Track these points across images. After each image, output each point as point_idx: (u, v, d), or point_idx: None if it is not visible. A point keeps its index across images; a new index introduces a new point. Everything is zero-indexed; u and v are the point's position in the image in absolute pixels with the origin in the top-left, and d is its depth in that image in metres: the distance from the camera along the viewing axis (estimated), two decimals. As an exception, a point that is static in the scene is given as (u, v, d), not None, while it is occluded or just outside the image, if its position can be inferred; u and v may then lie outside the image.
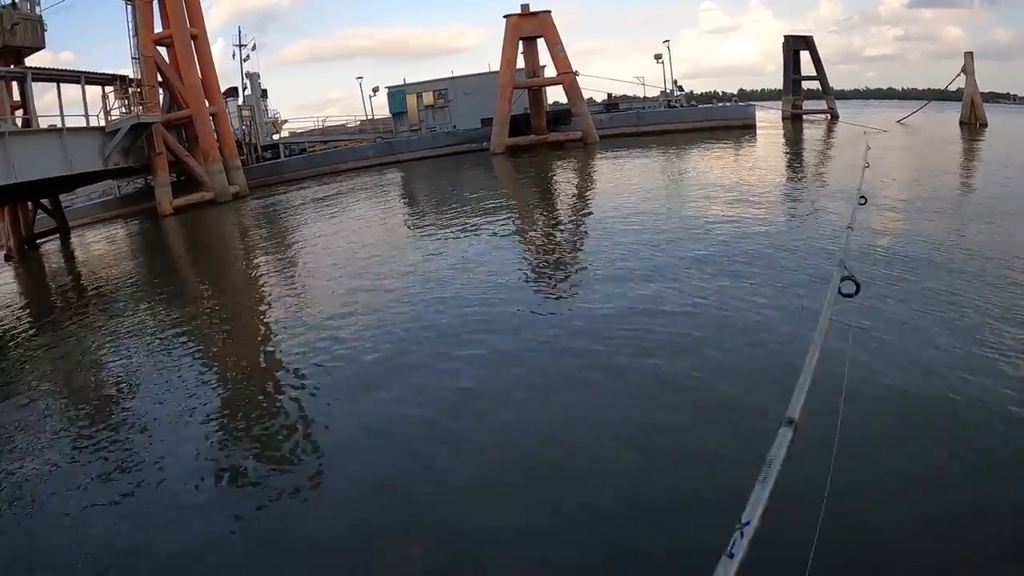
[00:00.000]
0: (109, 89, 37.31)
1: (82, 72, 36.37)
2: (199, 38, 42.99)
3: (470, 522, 6.88)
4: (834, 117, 60.96)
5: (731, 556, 2.20)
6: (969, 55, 52.14)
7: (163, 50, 42.25)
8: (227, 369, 12.62)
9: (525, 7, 50.97)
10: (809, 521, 3.60)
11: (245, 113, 53.45)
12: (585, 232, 20.74)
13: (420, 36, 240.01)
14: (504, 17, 51.38)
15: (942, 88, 58.87)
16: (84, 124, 35.28)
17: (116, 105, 37.27)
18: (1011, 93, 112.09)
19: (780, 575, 3.67)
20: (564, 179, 36.50)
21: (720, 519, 2.77)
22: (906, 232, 16.77)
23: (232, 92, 53.87)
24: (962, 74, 52.32)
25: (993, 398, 8.04)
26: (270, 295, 17.83)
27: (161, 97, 42.69)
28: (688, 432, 8.05)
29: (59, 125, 33.23)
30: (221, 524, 7.42)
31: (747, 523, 2.31)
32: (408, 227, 25.20)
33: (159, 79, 41.99)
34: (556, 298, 14.17)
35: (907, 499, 6.53)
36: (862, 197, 7.34)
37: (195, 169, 42.03)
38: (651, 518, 6.65)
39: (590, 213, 24.39)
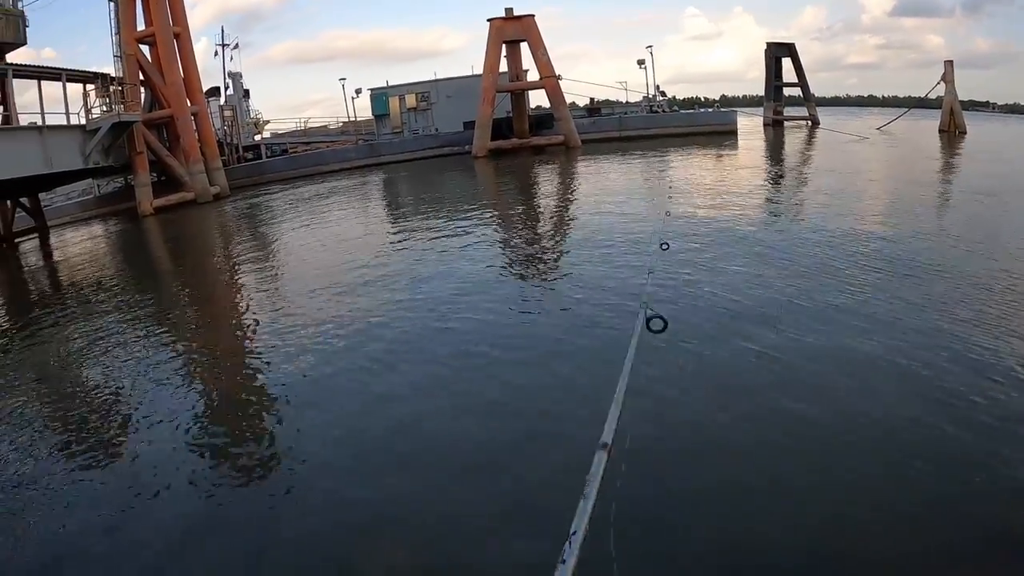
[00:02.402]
0: (90, 87, 37.04)
1: (63, 69, 36.08)
2: (182, 37, 42.88)
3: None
4: (815, 124, 61.63)
5: (563, 562, 2.49)
6: (949, 63, 52.71)
7: (146, 48, 42.15)
8: (204, 370, 12.63)
9: (509, 11, 51.21)
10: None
11: (227, 113, 53.17)
12: (561, 239, 20.85)
13: (403, 38, 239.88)
14: (488, 21, 51.69)
15: (922, 96, 59.53)
16: (65, 122, 34.97)
17: (97, 103, 36.99)
18: (990, 101, 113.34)
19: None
20: (545, 184, 36.68)
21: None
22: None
23: (214, 92, 53.65)
24: (942, 82, 52.88)
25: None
26: (249, 298, 17.81)
27: (142, 96, 42.40)
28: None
29: (39, 123, 33.00)
30: (200, 523, 7.45)
31: (575, 532, 2.61)
32: (388, 232, 25.19)
33: (141, 78, 41.85)
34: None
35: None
36: (664, 243, 7.77)
37: (176, 169, 41.84)
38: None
39: (570, 219, 24.48)
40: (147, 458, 9.01)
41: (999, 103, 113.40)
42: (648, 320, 4.55)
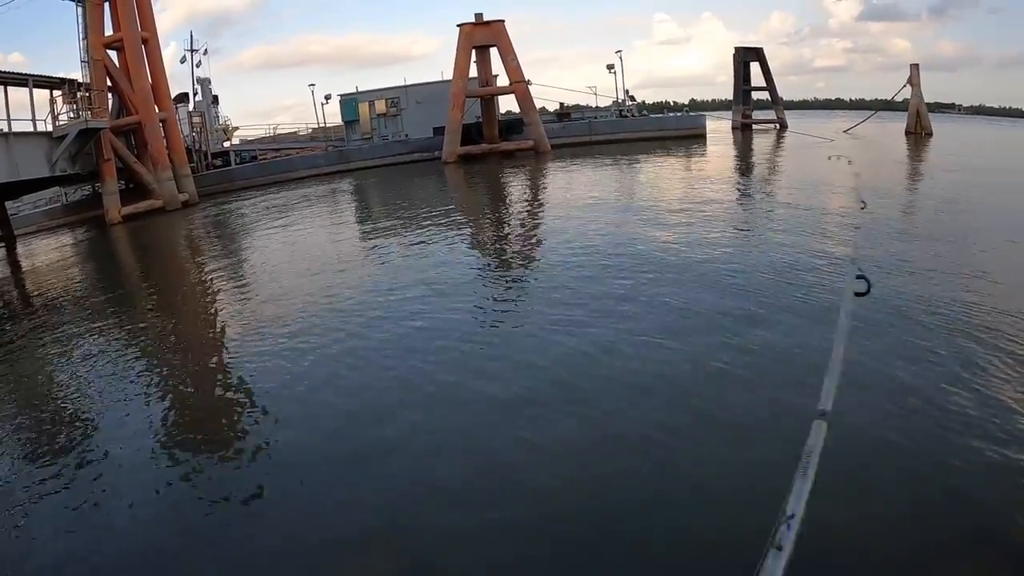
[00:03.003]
0: (57, 93, 36.67)
1: (30, 75, 35.78)
2: (150, 42, 42.40)
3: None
4: (783, 127, 62.40)
5: (779, 549, 2.24)
6: (915, 67, 53.60)
7: (114, 54, 41.75)
8: (175, 381, 12.65)
9: (479, 16, 51.40)
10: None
11: (196, 119, 52.62)
12: (530, 246, 21.05)
13: (374, 43, 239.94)
14: (458, 26, 51.74)
15: (889, 99, 60.26)
16: (31, 129, 34.69)
17: (64, 110, 36.64)
18: (956, 103, 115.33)
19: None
20: (514, 189, 36.84)
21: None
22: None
23: (183, 98, 53.23)
24: (908, 85, 53.72)
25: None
26: (219, 307, 17.83)
27: (110, 102, 42.06)
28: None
29: (5, 129, 32.63)
30: (174, 535, 7.52)
31: (792, 515, 2.37)
32: (358, 238, 25.33)
33: (108, 83, 41.43)
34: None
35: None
36: (862, 202, 7.67)
37: (144, 176, 41.40)
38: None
39: (537, 224, 24.67)
40: (114, 469, 9.07)
41: (964, 105, 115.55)
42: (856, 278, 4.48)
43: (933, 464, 7.14)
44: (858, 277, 4.41)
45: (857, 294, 4.38)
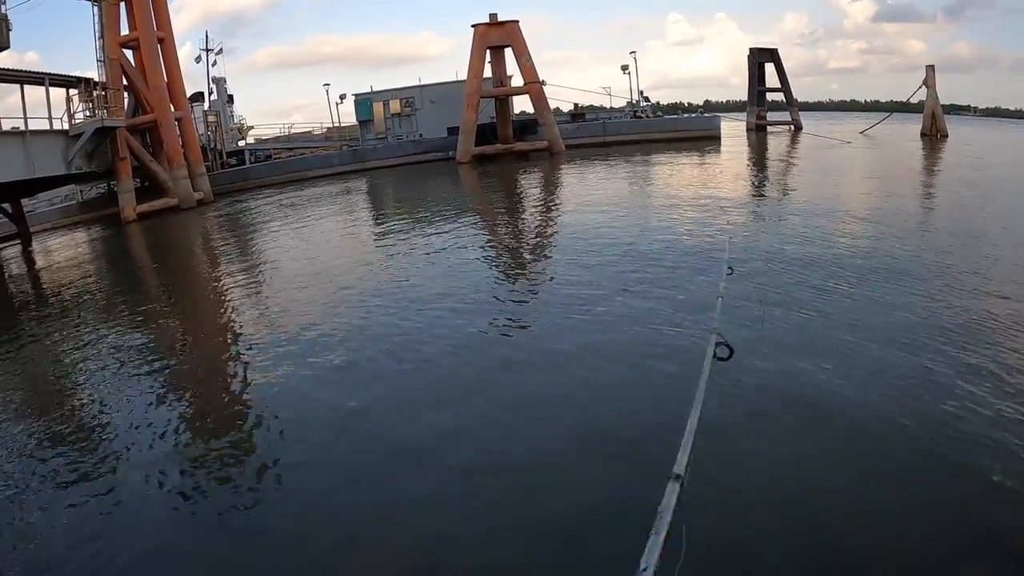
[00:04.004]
0: (73, 92, 36.74)
1: (46, 74, 35.85)
2: (166, 41, 42.63)
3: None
4: (798, 128, 62.26)
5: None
6: (931, 68, 53.26)
7: (129, 53, 41.91)
8: (188, 382, 12.62)
9: (493, 16, 51.38)
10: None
11: (211, 118, 52.83)
12: (544, 250, 21.07)
13: (388, 44, 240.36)
14: (472, 26, 51.75)
15: (904, 100, 60.12)
16: (48, 127, 34.78)
17: (80, 108, 36.69)
18: (971, 105, 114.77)
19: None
20: (528, 190, 36.81)
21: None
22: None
23: (198, 97, 53.46)
24: (924, 86, 53.42)
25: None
26: (233, 306, 17.82)
27: (126, 101, 42.17)
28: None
29: (22, 128, 32.75)
30: (182, 532, 7.56)
31: (645, 569, 2.49)
32: (373, 239, 25.30)
33: (124, 82, 41.55)
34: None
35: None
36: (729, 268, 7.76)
37: (159, 175, 41.57)
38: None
39: (553, 229, 24.54)
40: (128, 468, 9.06)
41: (980, 106, 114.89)
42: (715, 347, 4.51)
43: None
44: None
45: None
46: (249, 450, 9.32)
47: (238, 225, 34.02)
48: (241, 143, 58.08)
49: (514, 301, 15.05)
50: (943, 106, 55.65)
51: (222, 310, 17.89)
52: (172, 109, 42.39)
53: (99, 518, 7.89)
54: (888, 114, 64.02)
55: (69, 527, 7.77)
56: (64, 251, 32.34)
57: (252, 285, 19.61)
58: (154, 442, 9.65)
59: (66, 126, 35.59)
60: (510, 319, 13.72)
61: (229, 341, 15.05)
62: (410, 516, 7.33)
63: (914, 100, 56.44)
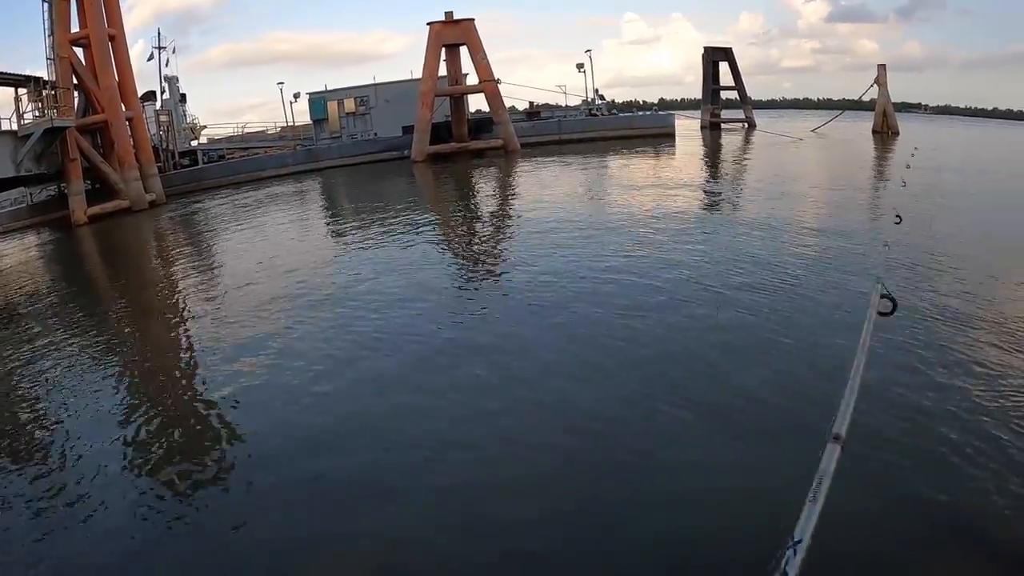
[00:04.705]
0: (22, 91, 36.20)
1: (-6, 73, 35.36)
2: (117, 39, 41.90)
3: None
4: (751, 126, 63.14)
5: (784, 574, 2.24)
6: (882, 67, 54.32)
7: (80, 51, 41.24)
8: (143, 387, 12.61)
9: (449, 15, 51.54)
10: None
11: (163, 118, 51.99)
12: (496, 244, 21.30)
13: (344, 41, 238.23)
14: (427, 24, 51.85)
15: (856, 98, 61.00)
16: (-5, 127, 34.23)
17: (29, 108, 36.16)
18: (922, 103, 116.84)
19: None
20: (483, 188, 37.11)
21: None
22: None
23: (150, 96, 52.86)
24: (875, 85, 54.33)
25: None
26: (187, 311, 17.77)
27: (76, 100, 41.39)
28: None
29: (-31, 129, 32.23)
30: (146, 539, 7.57)
31: (799, 540, 2.35)
32: (327, 239, 25.57)
33: (74, 81, 40.81)
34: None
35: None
36: (898, 216, 7.60)
37: (110, 176, 40.87)
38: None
39: (506, 224, 24.87)
40: (82, 475, 9.07)
41: (931, 104, 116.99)
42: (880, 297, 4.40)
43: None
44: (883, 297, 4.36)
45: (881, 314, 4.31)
46: (208, 452, 9.38)
47: (191, 227, 33.76)
48: (194, 143, 57.24)
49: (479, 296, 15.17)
50: (894, 104, 56.82)
51: (176, 315, 17.81)
52: (123, 109, 41.73)
53: (62, 531, 7.89)
54: (840, 112, 65.18)
55: (33, 534, 7.83)
56: (13, 256, 31.73)
57: (205, 288, 19.56)
58: (112, 448, 9.67)
59: (15, 126, 35.05)
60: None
61: (184, 345, 15.09)
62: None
63: (866, 98, 57.71)
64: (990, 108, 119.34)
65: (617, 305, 13.37)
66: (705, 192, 28.54)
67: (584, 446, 8.41)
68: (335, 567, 6.85)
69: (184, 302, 18.73)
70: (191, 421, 10.78)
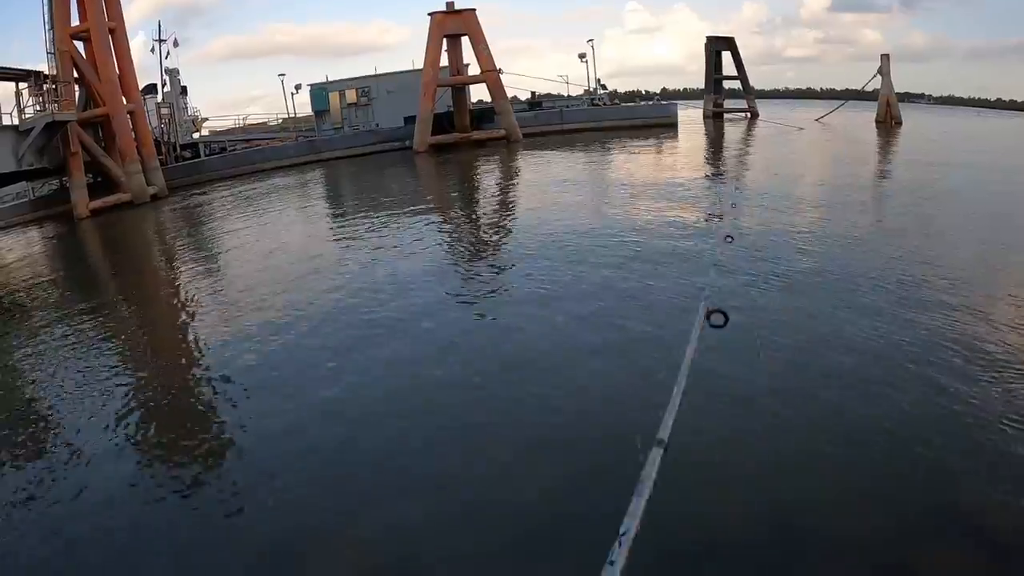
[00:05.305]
0: (23, 85, 36.16)
1: (-6, 67, 35.30)
2: (117, 32, 41.70)
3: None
4: (754, 116, 62.98)
5: (611, 563, 2.36)
6: (885, 57, 54.27)
7: (81, 45, 41.07)
8: (147, 380, 12.50)
9: (450, 4, 51.45)
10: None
11: (164, 111, 52.03)
12: (499, 234, 21.26)
13: (344, 32, 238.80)
14: (429, 15, 51.63)
15: (859, 89, 60.87)
16: (-3, 122, 34.17)
17: (30, 102, 36.10)
18: (925, 93, 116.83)
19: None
20: (485, 179, 37.09)
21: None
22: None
23: (151, 89, 52.56)
24: (879, 75, 54.19)
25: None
26: (190, 304, 17.69)
27: (77, 94, 41.21)
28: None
29: (-30, 124, 32.16)
30: (146, 532, 7.51)
31: (624, 533, 2.47)
32: (330, 231, 25.50)
33: (75, 75, 40.65)
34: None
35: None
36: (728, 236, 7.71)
37: (112, 169, 40.76)
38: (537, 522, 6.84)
39: (509, 216, 24.89)
40: (85, 464, 9.08)
41: (934, 95, 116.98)
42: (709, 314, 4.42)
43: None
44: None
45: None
46: (209, 448, 9.33)
47: (193, 220, 33.71)
48: (195, 135, 57.27)
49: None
50: (897, 94, 56.61)
51: (177, 308, 17.80)
52: (124, 102, 41.56)
53: (52, 522, 7.86)
54: (843, 102, 65.00)
55: (31, 526, 7.80)
56: (16, 250, 31.69)
57: (209, 281, 19.52)
58: (110, 443, 9.62)
59: (16, 121, 34.99)
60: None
61: (189, 334, 15.11)
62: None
63: (869, 88, 57.49)
64: (993, 99, 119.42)
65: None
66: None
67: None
68: (347, 553, 6.82)
69: (188, 292, 18.69)
70: (196, 405, 10.93)
